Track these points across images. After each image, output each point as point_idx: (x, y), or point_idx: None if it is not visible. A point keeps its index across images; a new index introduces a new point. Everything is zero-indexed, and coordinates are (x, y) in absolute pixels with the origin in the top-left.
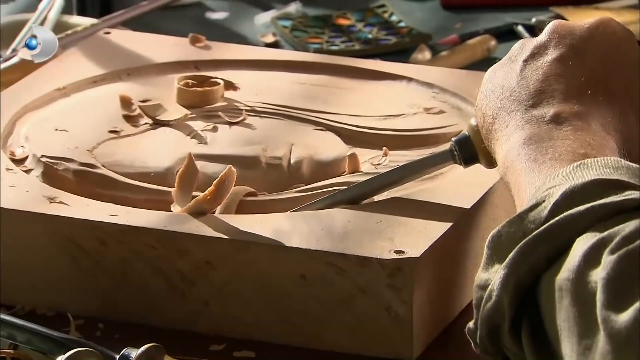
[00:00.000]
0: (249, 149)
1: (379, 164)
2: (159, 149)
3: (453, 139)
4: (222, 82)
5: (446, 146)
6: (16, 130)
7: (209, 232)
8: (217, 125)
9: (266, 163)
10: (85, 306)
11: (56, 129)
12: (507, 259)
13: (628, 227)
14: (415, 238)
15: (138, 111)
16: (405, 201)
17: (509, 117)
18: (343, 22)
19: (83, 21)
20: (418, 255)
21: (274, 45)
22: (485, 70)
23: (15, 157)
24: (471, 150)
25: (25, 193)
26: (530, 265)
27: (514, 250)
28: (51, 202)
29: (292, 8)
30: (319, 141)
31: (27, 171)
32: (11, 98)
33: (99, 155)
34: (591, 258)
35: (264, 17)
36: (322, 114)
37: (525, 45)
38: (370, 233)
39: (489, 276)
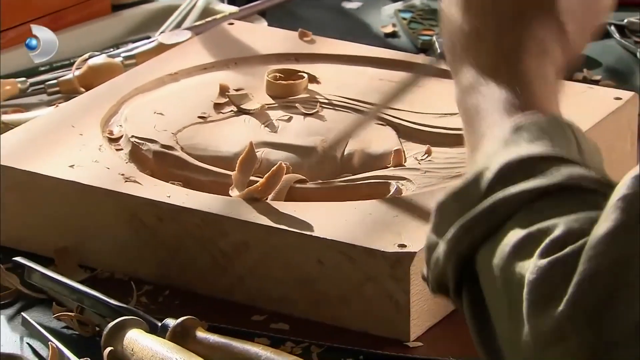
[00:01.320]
0: (310, 139)
1: (422, 159)
2: (234, 135)
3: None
4: (306, 76)
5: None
6: (120, 111)
7: (245, 216)
8: (293, 115)
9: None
10: (148, 274)
11: (155, 112)
12: (450, 234)
13: (557, 228)
14: (421, 233)
15: (227, 99)
16: (425, 197)
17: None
18: None
19: (226, 9)
20: (417, 250)
21: (392, 35)
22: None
23: (112, 136)
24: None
25: (105, 170)
26: (470, 241)
27: (455, 228)
28: (126, 181)
29: (417, 0)
30: (375, 135)
31: (119, 150)
32: (126, 80)
33: (181, 138)
34: (519, 250)
35: (389, 9)
36: (387, 110)
37: None
38: (384, 226)
39: (437, 240)
